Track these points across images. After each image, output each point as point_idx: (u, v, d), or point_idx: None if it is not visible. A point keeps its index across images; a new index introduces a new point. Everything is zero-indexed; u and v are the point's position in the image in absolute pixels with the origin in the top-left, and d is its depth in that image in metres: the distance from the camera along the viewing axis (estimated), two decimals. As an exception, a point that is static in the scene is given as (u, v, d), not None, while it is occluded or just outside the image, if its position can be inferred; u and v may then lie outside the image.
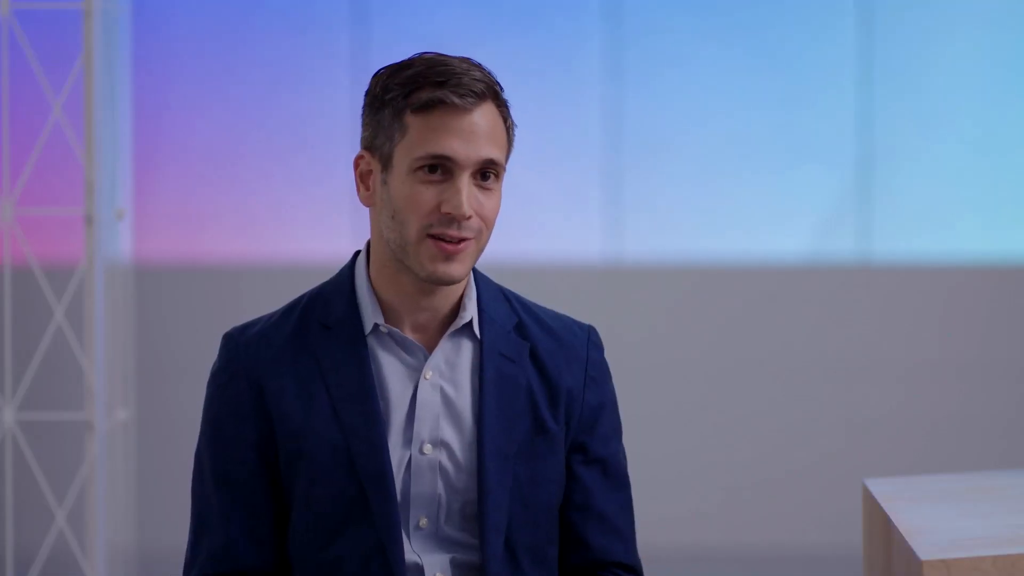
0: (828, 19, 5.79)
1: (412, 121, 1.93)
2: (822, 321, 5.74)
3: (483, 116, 1.94)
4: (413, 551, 1.97)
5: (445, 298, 2.00)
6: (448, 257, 1.93)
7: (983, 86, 5.78)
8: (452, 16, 5.78)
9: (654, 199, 5.82)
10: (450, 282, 1.96)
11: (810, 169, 5.79)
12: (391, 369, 1.99)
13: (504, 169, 1.98)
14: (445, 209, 1.91)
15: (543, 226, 5.73)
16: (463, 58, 1.97)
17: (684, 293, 5.78)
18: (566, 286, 5.58)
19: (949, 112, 5.78)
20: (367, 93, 1.99)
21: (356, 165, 2.01)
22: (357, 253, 2.06)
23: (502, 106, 1.97)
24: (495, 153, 1.94)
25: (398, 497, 1.96)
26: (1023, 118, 5.78)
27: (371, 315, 1.99)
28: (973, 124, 5.77)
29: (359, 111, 2.01)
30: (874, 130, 5.75)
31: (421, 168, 1.93)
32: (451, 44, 2.12)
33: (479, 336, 2.01)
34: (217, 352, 2.03)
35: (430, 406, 1.98)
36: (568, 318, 2.12)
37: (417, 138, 1.93)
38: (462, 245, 1.93)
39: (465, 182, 1.92)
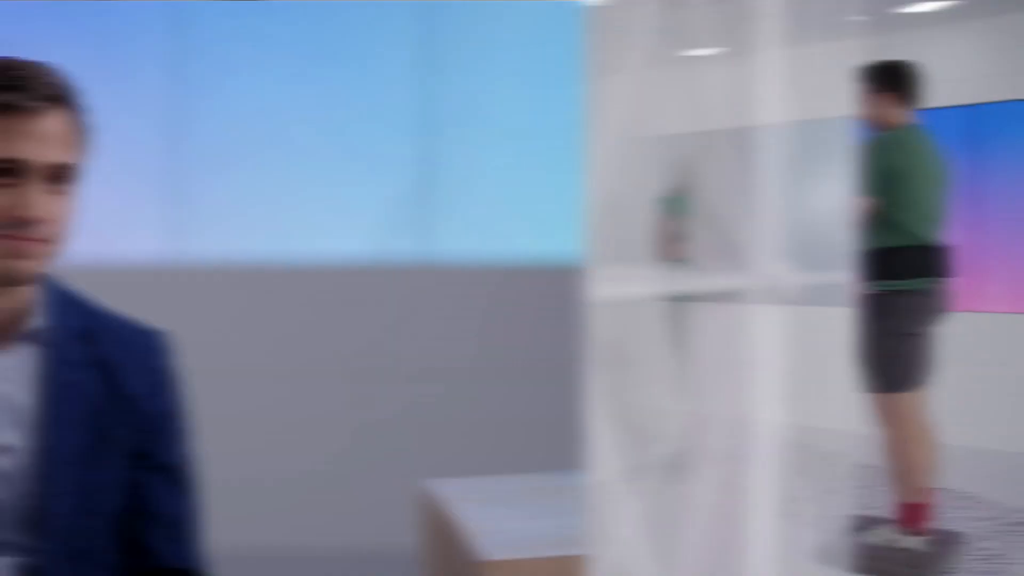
0: (388, 22, 5.89)
1: (-15, 125, 1.90)
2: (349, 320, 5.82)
3: (55, 121, 1.92)
4: (-27, 555, 1.93)
5: (12, 300, 1.97)
6: (20, 253, 1.90)
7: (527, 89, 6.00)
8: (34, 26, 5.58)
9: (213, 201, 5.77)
10: (21, 280, 1.93)
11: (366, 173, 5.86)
12: (-51, 372, 1.94)
13: (79, 173, 1.96)
14: (15, 213, 1.89)
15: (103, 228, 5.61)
16: (38, 62, 1.95)
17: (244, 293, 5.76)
18: None
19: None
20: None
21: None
22: None
23: (76, 111, 1.96)
24: (67, 157, 1.93)
25: (-43, 500, 1.92)
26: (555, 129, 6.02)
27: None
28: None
29: None
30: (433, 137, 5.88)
31: (-8, 172, 1.90)
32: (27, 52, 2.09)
33: (46, 342, 1.99)
34: None
35: (-7, 410, 1.95)
36: (138, 323, 2.12)
37: None
38: (35, 243, 1.91)
39: (36, 186, 1.90)
